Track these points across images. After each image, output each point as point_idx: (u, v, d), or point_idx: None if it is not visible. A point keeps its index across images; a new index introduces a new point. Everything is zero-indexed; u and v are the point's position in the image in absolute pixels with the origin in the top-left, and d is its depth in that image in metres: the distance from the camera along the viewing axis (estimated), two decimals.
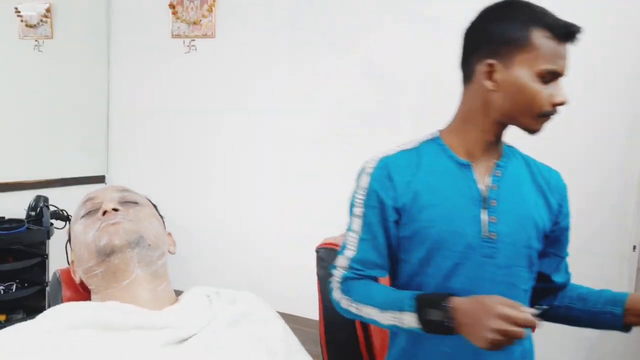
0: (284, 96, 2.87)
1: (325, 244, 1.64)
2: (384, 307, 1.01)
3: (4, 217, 2.68)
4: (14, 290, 2.59)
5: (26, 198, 2.72)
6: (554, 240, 1.13)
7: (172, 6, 3.11)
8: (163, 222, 1.09)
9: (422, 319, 0.95)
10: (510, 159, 1.10)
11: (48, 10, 3.09)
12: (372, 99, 2.64)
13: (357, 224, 1.09)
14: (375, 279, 1.09)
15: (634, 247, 2.14)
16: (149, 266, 0.96)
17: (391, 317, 0.99)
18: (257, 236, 3.01)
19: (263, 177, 2.97)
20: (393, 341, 1.17)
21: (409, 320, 0.96)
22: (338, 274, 1.10)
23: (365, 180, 1.08)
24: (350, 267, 1.08)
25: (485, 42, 1.02)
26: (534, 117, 1.00)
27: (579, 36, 0.98)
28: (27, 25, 3.04)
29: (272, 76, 2.90)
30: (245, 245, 3.05)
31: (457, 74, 2.54)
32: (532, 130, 1.03)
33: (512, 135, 1.12)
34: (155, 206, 1.11)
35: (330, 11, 2.72)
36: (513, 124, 1.04)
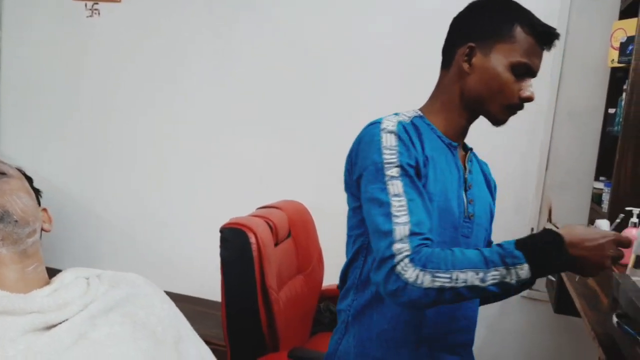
0: (199, 70, 2.73)
1: (230, 223, 1.58)
2: (487, 265, 0.89)
3: None
4: None
5: None
6: None
7: None
8: (38, 196, 0.98)
9: (536, 268, 0.89)
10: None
11: None
12: (292, 79, 2.56)
13: (398, 186, 0.96)
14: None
15: (532, 229, 2.26)
16: (16, 244, 0.85)
17: (495, 275, 0.89)
18: (166, 217, 2.86)
19: (173, 155, 2.82)
20: (353, 323, 1.11)
21: (521, 272, 0.89)
22: (402, 248, 0.90)
23: (392, 139, 0.99)
24: (413, 233, 0.92)
25: (471, 28, 1.08)
26: (501, 107, 1.05)
27: (555, 43, 1.06)
28: None
29: (185, 47, 2.74)
30: (150, 226, 2.89)
31: (383, 59, 2.50)
32: (497, 120, 1.08)
33: None
34: (29, 178, 0.98)
35: None
36: (481, 111, 1.09)
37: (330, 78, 2.50)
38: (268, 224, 1.63)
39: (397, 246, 0.91)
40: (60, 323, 0.80)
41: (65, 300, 0.83)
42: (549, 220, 2.25)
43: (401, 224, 0.92)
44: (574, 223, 0.95)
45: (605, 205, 1.87)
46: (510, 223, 2.22)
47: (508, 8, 1.07)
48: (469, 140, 1.20)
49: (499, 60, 1.03)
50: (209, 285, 2.42)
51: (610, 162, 1.91)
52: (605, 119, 2.09)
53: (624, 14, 1.96)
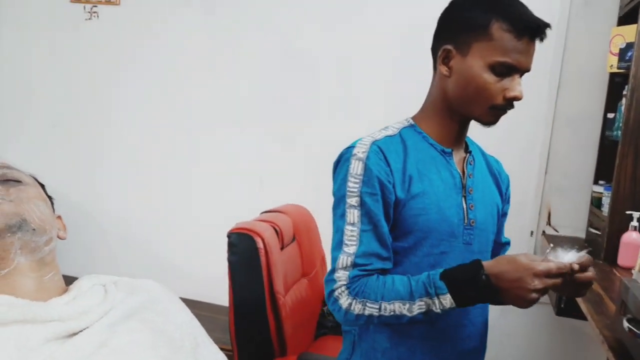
0: (198, 73, 2.72)
1: (237, 228, 1.58)
2: (412, 297, 0.95)
3: None
4: None
5: None
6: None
7: None
8: (52, 203, 0.98)
9: (458, 298, 0.92)
10: (473, 148, 1.14)
11: None
12: (291, 82, 2.56)
13: (355, 215, 0.99)
14: (383, 273, 1.01)
15: (532, 233, 2.28)
16: (34, 253, 0.85)
17: (421, 305, 0.94)
18: (167, 221, 2.85)
19: (174, 158, 2.82)
20: (359, 343, 1.11)
21: (444, 302, 0.93)
22: (342, 276, 0.98)
23: (359, 167, 1.00)
24: (355, 264, 0.98)
25: (448, 28, 1.04)
26: (485, 109, 1.01)
27: (545, 32, 0.98)
28: None
29: (184, 50, 2.73)
30: (155, 231, 2.88)
31: (374, 61, 2.50)
32: (484, 122, 1.04)
33: None
34: (42, 186, 0.99)
35: None
36: (466, 114, 1.04)
37: (332, 81, 2.50)
38: (274, 228, 1.63)
39: (337, 274, 0.99)
40: (81, 331, 0.80)
41: (84, 308, 0.82)
42: (548, 224, 2.27)
43: (347, 254, 0.98)
44: (522, 252, 0.93)
45: (605, 209, 1.89)
46: (510, 227, 2.20)
47: (485, 2, 0.99)
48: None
49: (476, 62, 0.98)
50: (212, 289, 2.42)
51: (608, 166, 1.93)
52: (604, 123, 2.11)
53: (623, 20, 1.98)
